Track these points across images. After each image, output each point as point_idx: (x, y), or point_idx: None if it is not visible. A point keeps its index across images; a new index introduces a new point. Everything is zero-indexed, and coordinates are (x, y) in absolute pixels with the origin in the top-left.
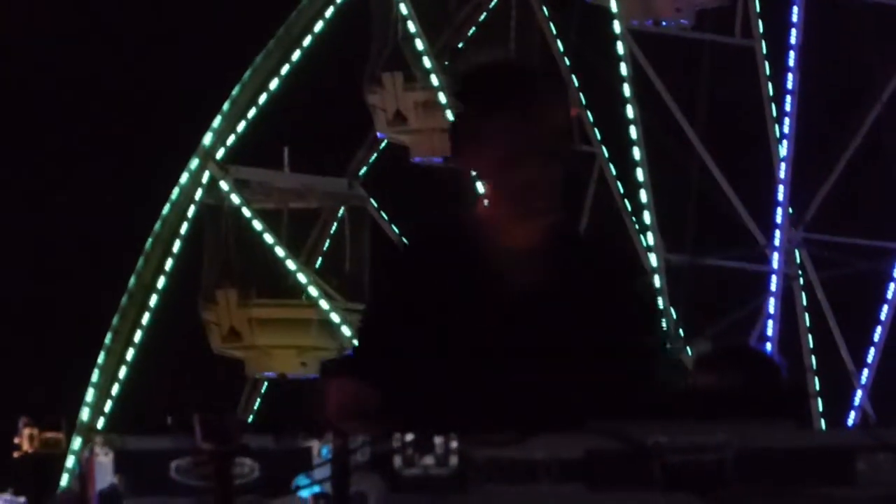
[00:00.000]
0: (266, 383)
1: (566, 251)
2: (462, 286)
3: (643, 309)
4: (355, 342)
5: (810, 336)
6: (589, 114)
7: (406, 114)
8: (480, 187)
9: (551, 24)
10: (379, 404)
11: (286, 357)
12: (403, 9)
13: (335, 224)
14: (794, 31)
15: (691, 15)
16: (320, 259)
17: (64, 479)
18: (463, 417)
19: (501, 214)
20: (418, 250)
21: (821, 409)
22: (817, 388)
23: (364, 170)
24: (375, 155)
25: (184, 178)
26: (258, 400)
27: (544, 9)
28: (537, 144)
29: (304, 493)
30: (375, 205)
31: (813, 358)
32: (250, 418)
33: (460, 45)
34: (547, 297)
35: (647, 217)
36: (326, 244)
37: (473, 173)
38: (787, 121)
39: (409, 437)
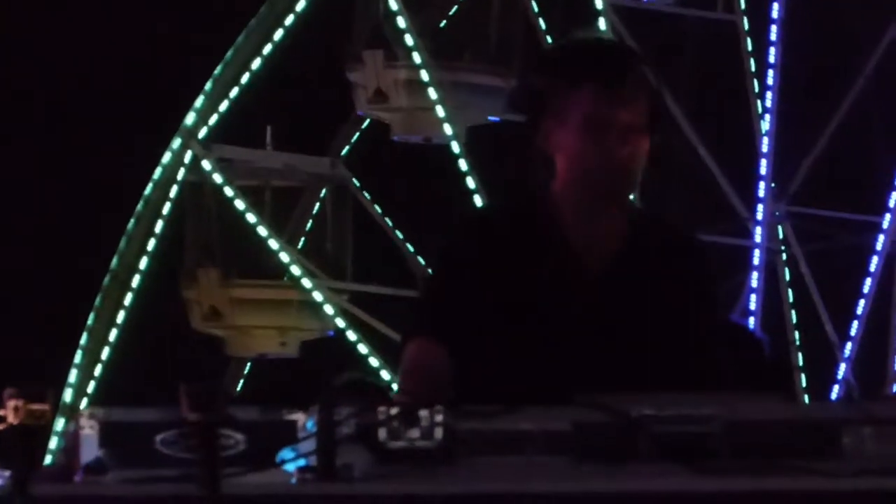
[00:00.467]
0: (249, 363)
1: (643, 239)
2: (536, 268)
3: (712, 304)
4: (427, 304)
5: (793, 311)
6: None
7: (387, 91)
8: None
9: (533, 2)
10: (452, 373)
11: (266, 337)
12: None
13: (318, 203)
14: (775, 5)
15: None
16: (303, 239)
17: (48, 458)
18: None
19: (575, 195)
20: (494, 227)
21: (804, 383)
22: (801, 362)
23: (347, 149)
24: (358, 134)
25: (166, 157)
26: (241, 380)
27: None
28: (614, 122)
29: (290, 466)
30: (358, 184)
31: (796, 332)
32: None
33: (442, 24)
34: (622, 286)
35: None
36: (309, 224)
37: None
38: (769, 95)
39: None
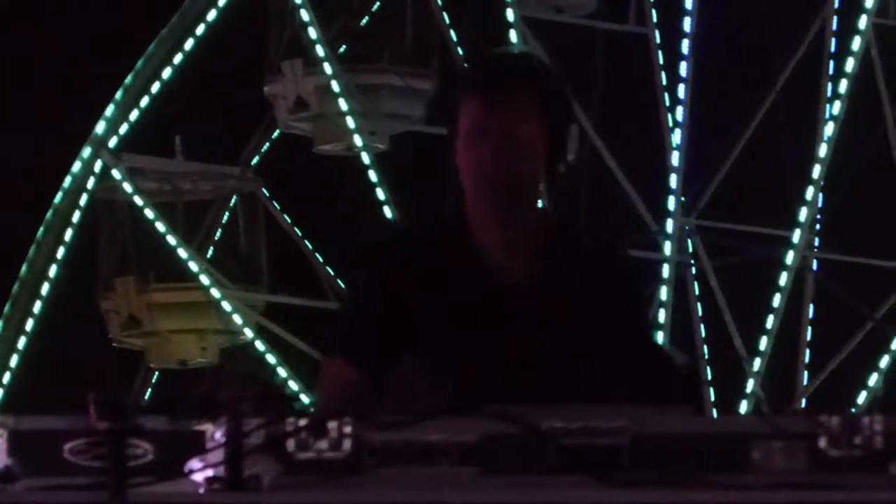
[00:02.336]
0: (157, 373)
1: (562, 252)
2: (448, 285)
3: (637, 317)
4: (344, 324)
5: (703, 324)
6: None
7: (307, 99)
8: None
9: (445, 14)
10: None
11: (186, 343)
12: None
13: (227, 212)
14: (687, 20)
15: (593, 1)
16: (212, 247)
17: None
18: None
19: (475, 207)
20: (407, 243)
21: (713, 397)
22: (710, 376)
23: (257, 158)
24: (268, 144)
25: (76, 166)
26: (149, 390)
27: None
28: (493, 132)
29: (198, 476)
30: (267, 193)
31: (705, 346)
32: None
33: (361, 25)
34: (538, 300)
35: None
36: (220, 233)
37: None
38: (679, 109)
39: (302, 421)
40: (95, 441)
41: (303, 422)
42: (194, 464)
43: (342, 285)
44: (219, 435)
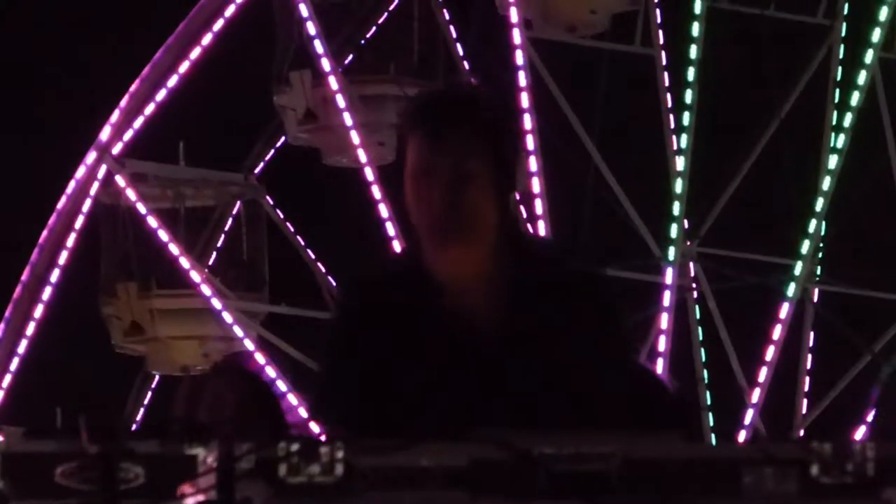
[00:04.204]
0: (157, 377)
1: (514, 280)
2: (404, 335)
3: (613, 342)
4: (323, 383)
5: (703, 349)
6: None
7: (316, 111)
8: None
9: (451, 27)
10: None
11: (188, 349)
12: (304, 10)
13: (231, 218)
14: (693, 47)
15: (606, 19)
16: (214, 254)
17: None
18: None
19: (428, 244)
20: (362, 302)
21: (712, 423)
22: (709, 401)
23: (261, 165)
24: (273, 151)
25: (80, 171)
26: (149, 394)
27: (445, 12)
28: (438, 168)
29: (189, 500)
30: (271, 201)
31: (705, 371)
32: (140, 413)
33: (366, 38)
34: (513, 334)
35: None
36: (222, 238)
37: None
38: (684, 136)
39: (294, 445)
40: (87, 464)
41: (294, 446)
42: (186, 488)
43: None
44: (210, 459)
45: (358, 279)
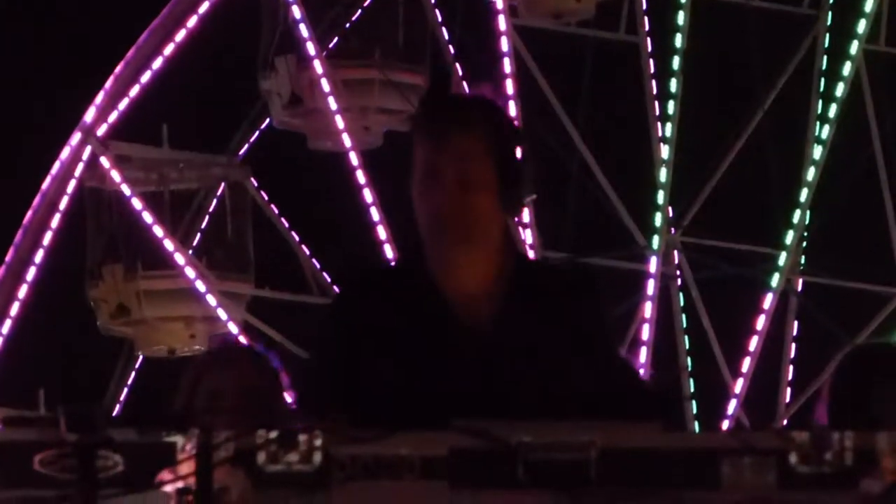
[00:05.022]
0: (141, 359)
1: (513, 286)
2: (405, 329)
3: (605, 345)
4: (310, 379)
5: (686, 337)
6: None
7: (301, 94)
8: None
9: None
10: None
11: (175, 330)
12: None
13: (215, 199)
14: (678, 36)
15: (591, 6)
16: (199, 235)
17: None
18: None
19: (429, 245)
20: (362, 296)
21: (695, 411)
22: (692, 390)
23: (245, 147)
24: (258, 133)
25: (64, 153)
26: (132, 376)
27: None
28: (443, 172)
29: (168, 488)
30: (255, 183)
31: (689, 359)
32: (123, 394)
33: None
34: (505, 335)
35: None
36: (206, 220)
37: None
38: (669, 125)
39: (273, 433)
40: (65, 453)
41: (273, 434)
42: (164, 476)
43: (326, 278)
44: (189, 447)
45: (359, 270)
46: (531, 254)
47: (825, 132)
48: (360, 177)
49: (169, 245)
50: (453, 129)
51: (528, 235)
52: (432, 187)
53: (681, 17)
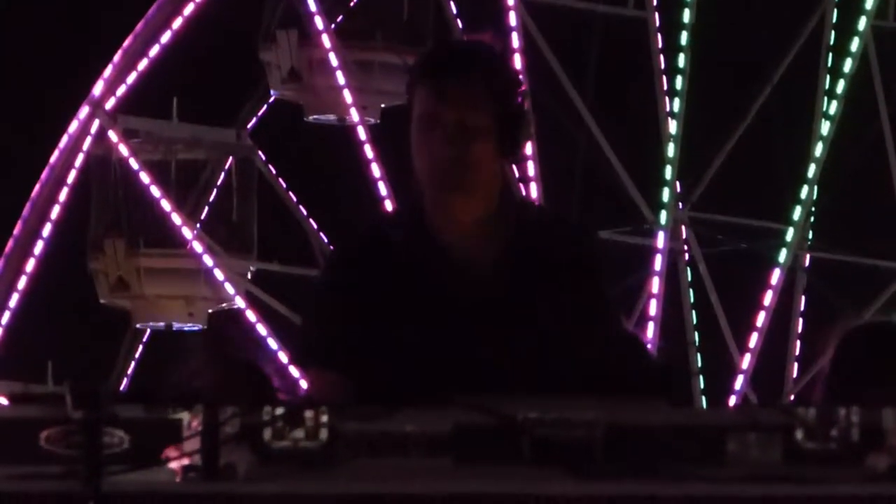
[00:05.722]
0: (149, 332)
1: (511, 234)
2: (404, 285)
3: (602, 300)
4: (312, 338)
5: (694, 312)
6: None
7: (300, 71)
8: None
9: None
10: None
11: (174, 307)
12: None
13: (223, 174)
14: (686, 11)
15: None
16: (206, 209)
17: None
18: None
19: (429, 195)
20: (361, 252)
21: (702, 387)
22: (699, 365)
23: (253, 122)
24: (265, 107)
25: (72, 126)
26: (140, 348)
27: None
28: (442, 121)
29: (174, 465)
30: (263, 157)
31: (696, 335)
32: (131, 367)
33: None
34: (507, 286)
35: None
36: (213, 194)
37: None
38: (677, 100)
39: (279, 410)
40: (71, 429)
41: (279, 411)
42: (170, 452)
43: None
44: (195, 424)
45: (358, 226)
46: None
47: (833, 108)
48: (368, 151)
49: (176, 219)
50: (452, 78)
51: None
52: (431, 136)
53: None
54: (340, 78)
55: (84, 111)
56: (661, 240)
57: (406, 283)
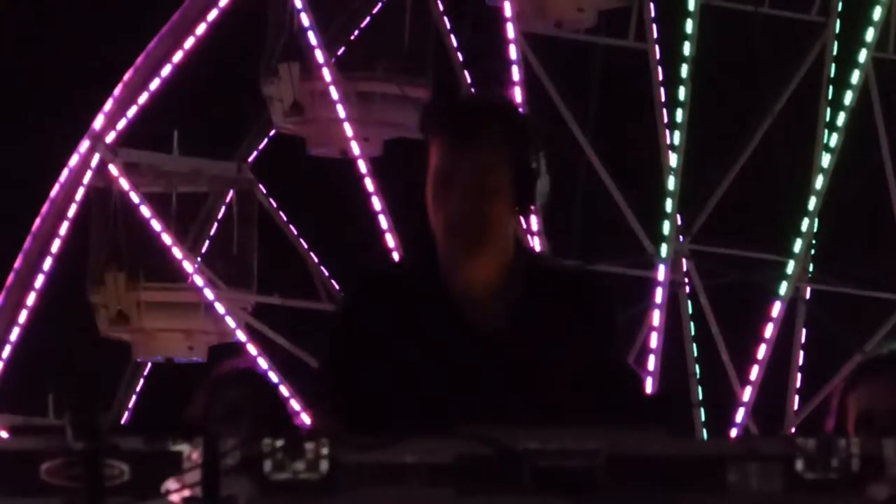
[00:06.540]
0: (150, 366)
1: (524, 290)
2: (417, 333)
3: (611, 352)
4: (325, 372)
5: (695, 344)
6: None
7: (303, 103)
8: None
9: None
10: None
11: (173, 341)
12: (298, 1)
13: (223, 207)
14: (686, 44)
15: (593, 16)
16: (207, 242)
17: None
18: None
19: (443, 249)
20: (372, 297)
21: (703, 418)
22: (700, 397)
23: (254, 155)
24: (266, 140)
25: (73, 160)
26: (141, 382)
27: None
28: (460, 178)
29: (174, 497)
30: (264, 190)
31: (697, 367)
32: (132, 401)
33: (355, 35)
34: (501, 340)
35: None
36: (214, 227)
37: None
38: (677, 132)
39: (279, 441)
40: (72, 461)
41: (279, 443)
42: (171, 484)
43: (335, 285)
44: (195, 456)
45: (371, 272)
46: (538, 248)
47: (834, 140)
48: (369, 184)
49: (177, 252)
50: (473, 137)
51: (536, 243)
52: (448, 193)
53: (689, 25)
54: (341, 111)
55: (85, 145)
56: (661, 272)
57: (416, 337)
